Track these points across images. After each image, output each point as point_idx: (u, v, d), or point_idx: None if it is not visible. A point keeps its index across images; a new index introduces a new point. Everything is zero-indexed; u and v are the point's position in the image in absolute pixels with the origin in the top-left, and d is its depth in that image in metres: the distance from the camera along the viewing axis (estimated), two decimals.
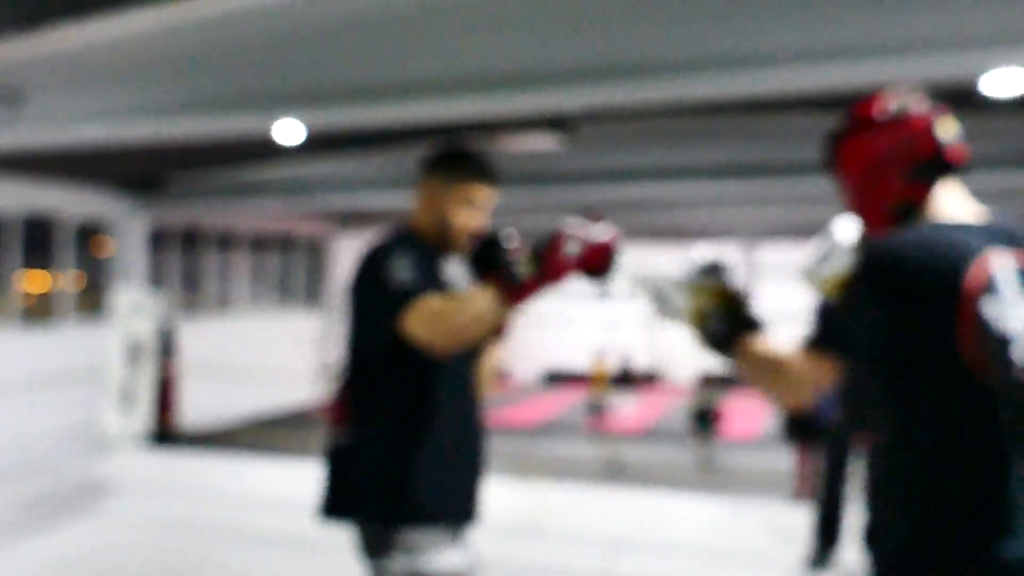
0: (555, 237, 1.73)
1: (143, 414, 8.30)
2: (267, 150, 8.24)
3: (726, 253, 1.72)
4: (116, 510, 5.47)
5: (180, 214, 11.52)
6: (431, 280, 1.89)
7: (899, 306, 1.38)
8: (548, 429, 14.11)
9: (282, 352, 13.87)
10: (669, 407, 16.48)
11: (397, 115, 4.83)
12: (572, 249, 1.72)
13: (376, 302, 1.86)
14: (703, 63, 3.74)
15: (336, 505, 1.95)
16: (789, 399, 1.53)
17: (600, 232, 1.74)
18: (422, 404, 1.90)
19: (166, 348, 9.95)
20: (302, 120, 4.84)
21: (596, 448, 11.59)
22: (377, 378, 1.92)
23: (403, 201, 11.29)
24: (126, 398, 8.11)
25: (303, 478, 6.31)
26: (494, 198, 2.06)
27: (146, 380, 8.37)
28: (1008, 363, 1.31)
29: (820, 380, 1.48)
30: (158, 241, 11.34)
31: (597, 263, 1.74)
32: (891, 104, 1.55)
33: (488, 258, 1.98)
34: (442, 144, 2.09)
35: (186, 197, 10.45)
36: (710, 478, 10.26)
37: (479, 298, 1.75)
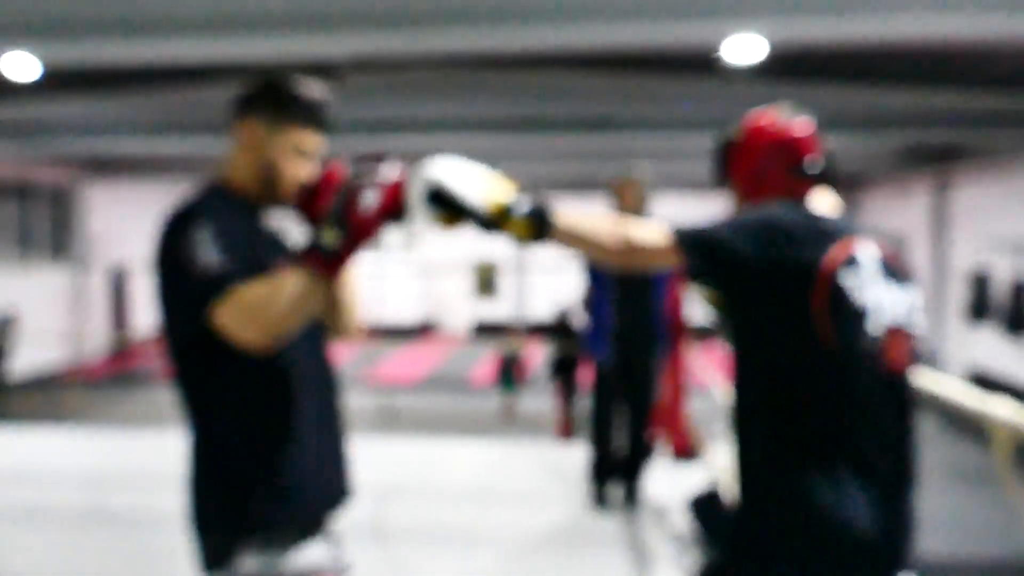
0: (349, 191, 1.52)
1: None
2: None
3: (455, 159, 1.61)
4: None
5: None
6: (245, 253, 1.59)
7: (768, 256, 1.53)
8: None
9: (25, 310, 12.66)
10: (444, 357, 16.79)
11: (153, 54, 4.50)
12: (369, 199, 1.52)
13: (177, 290, 1.57)
14: (473, 15, 3.78)
15: (199, 523, 1.65)
16: (627, 256, 1.59)
17: (389, 173, 1.54)
18: (258, 388, 1.62)
19: None
20: (38, 54, 4.38)
21: (371, 398, 11.61)
22: (197, 369, 1.62)
23: (159, 147, 10.61)
24: None
25: (52, 447, 5.86)
26: (324, 146, 1.75)
27: None
28: (860, 333, 1.52)
29: (660, 256, 1.59)
30: None
31: (398, 206, 1.54)
32: (776, 119, 1.83)
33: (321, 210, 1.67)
34: (260, 80, 1.73)
35: None
36: (511, 426, 10.61)
37: (292, 281, 1.50)
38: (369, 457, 5.43)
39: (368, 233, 1.52)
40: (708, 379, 4.82)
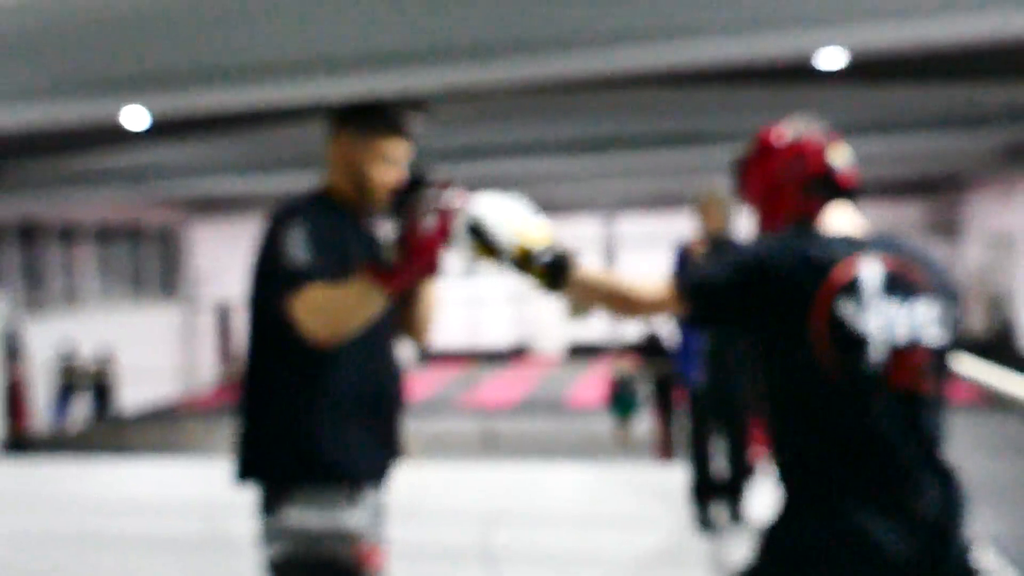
0: (411, 213, 1.68)
1: None
2: (108, 136, 7.84)
3: (513, 197, 1.71)
4: None
5: (16, 207, 10.81)
6: (335, 254, 1.77)
7: (765, 292, 1.54)
8: (424, 407, 14.15)
9: (139, 347, 13.28)
10: (539, 380, 16.82)
11: (248, 98, 4.70)
12: (428, 223, 1.66)
13: (266, 276, 1.78)
14: (550, 43, 3.82)
15: (239, 468, 1.88)
16: (631, 313, 1.66)
17: (451, 201, 1.67)
18: (320, 364, 1.81)
19: (12, 351, 9.35)
20: (148, 106, 4.64)
21: (470, 423, 11.71)
22: (274, 340, 1.82)
23: (257, 186, 11.02)
24: None
25: (168, 478, 6.12)
26: (409, 151, 1.94)
27: None
28: (863, 359, 1.48)
29: (665, 308, 1.64)
30: None
31: (450, 234, 1.67)
32: (789, 131, 1.75)
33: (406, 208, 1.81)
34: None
35: (22, 188, 9.81)
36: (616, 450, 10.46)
37: (356, 287, 1.68)
38: (472, 482, 5.50)
39: (423, 254, 1.66)
40: None
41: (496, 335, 20.12)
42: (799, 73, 6.55)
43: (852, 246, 1.57)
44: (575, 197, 16.36)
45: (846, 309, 1.49)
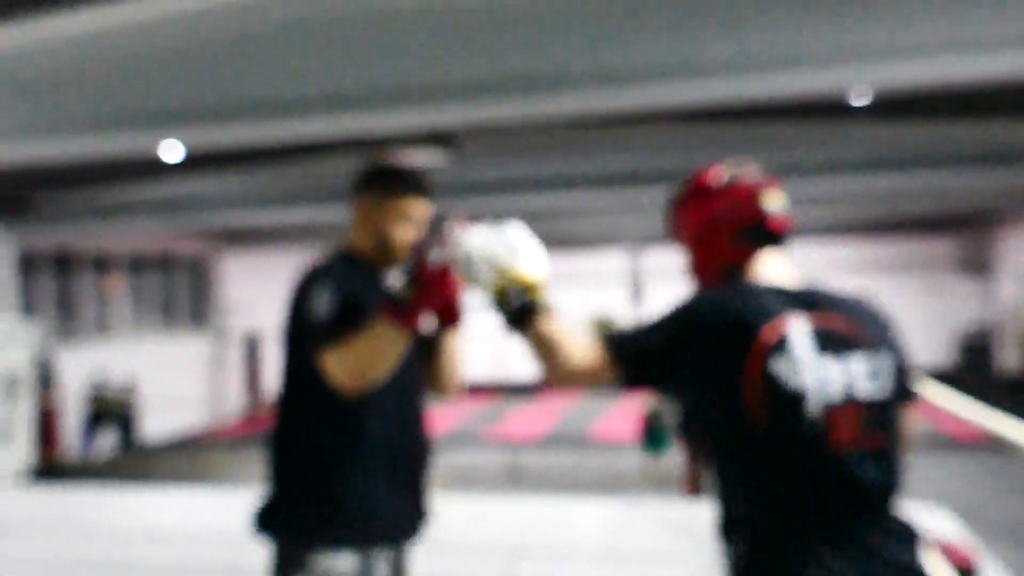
0: (421, 250, 1.74)
1: (22, 449, 7.89)
2: (142, 168, 7.99)
3: (524, 232, 1.70)
4: None
5: (51, 236, 11.02)
6: (360, 308, 1.82)
7: (695, 353, 1.51)
8: (450, 440, 14.12)
9: (168, 376, 13.40)
10: (563, 414, 16.73)
11: (279, 132, 4.79)
12: (435, 255, 1.72)
13: (297, 331, 1.87)
14: (578, 79, 3.86)
15: (258, 519, 1.91)
16: (560, 381, 1.60)
17: (453, 231, 1.71)
18: (347, 421, 1.86)
19: (44, 379, 9.48)
20: (183, 139, 4.74)
21: (495, 456, 11.66)
22: (301, 393, 1.89)
23: (287, 217, 11.16)
24: (2, 434, 7.70)
25: (193, 507, 6.14)
26: (429, 210, 2.01)
27: (24, 413, 7.96)
28: (798, 418, 1.45)
29: (595, 376, 1.58)
30: (28, 266, 10.80)
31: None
32: (724, 174, 1.70)
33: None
34: (370, 161, 2.10)
35: (57, 219, 10.00)
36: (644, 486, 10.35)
37: (376, 332, 1.73)
38: (497, 515, 5.46)
39: (433, 286, 1.72)
40: None
41: (522, 368, 20.08)
42: (828, 109, 6.56)
43: (784, 302, 1.53)
44: (602, 231, 16.40)
45: (779, 368, 1.46)
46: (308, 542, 1.83)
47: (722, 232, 1.66)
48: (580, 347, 1.57)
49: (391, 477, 1.90)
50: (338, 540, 1.82)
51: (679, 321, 1.54)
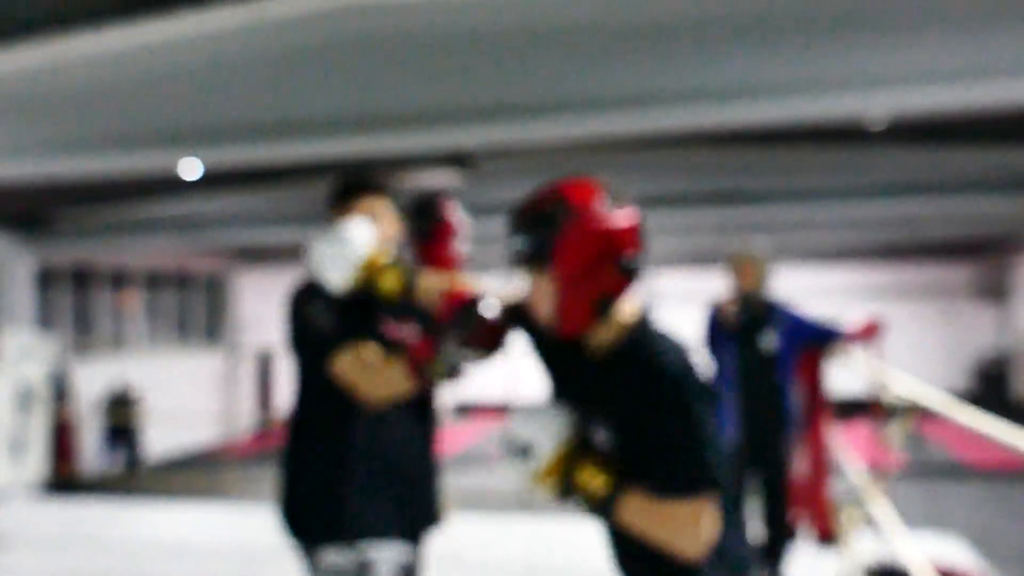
0: (472, 321, 1.78)
1: (36, 462, 7.92)
2: (159, 186, 8.06)
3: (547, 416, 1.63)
4: (9, 565, 5.20)
5: (68, 252, 11.11)
6: (349, 317, 2.00)
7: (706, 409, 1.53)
8: (461, 460, 14.07)
9: (182, 392, 13.45)
10: None
11: (295, 152, 4.83)
12: (460, 332, 1.78)
13: (300, 347, 2.04)
14: (596, 102, 3.88)
15: (282, 523, 2.08)
16: (692, 548, 1.52)
17: (484, 309, 1.76)
18: (351, 427, 2.01)
19: (60, 393, 9.53)
20: (201, 157, 4.78)
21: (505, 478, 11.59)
22: (310, 403, 2.05)
23: (301, 237, 11.19)
24: (16, 446, 7.73)
25: (208, 522, 6.14)
26: (390, 207, 2.21)
27: (38, 427, 8.00)
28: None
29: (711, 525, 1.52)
30: (46, 281, 10.89)
31: (486, 343, 1.79)
32: (606, 198, 1.58)
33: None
34: (335, 176, 2.32)
35: (75, 235, 10.09)
36: None
37: (393, 370, 1.88)
38: (510, 536, 5.43)
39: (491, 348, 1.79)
40: (848, 459, 4.61)
41: (534, 388, 20.00)
42: (844, 133, 6.54)
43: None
44: None
45: None
46: (316, 542, 2.00)
47: (606, 263, 1.55)
48: (693, 524, 1.51)
49: (395, 474, 2.04)
50: (340, 539, 1.98)
51: (697, 394, 1.52)
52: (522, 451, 1.58)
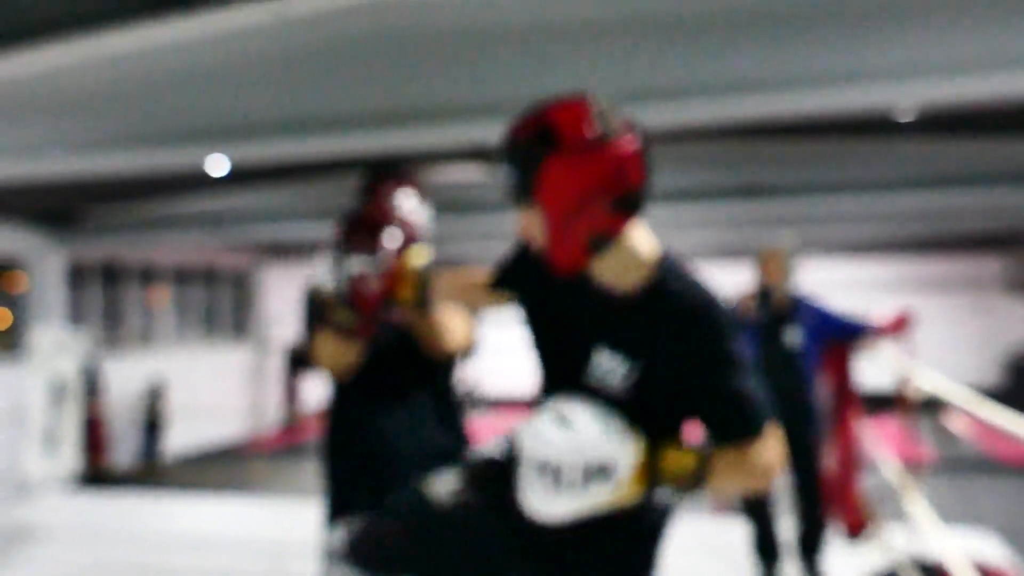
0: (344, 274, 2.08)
1: (69, 456, 8.04)
2: (188, 183, 8.13)
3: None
4: (43, 557, 5.28)
5: (99, 248, 11.24)
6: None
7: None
8: None
9: (210, 386, 13.58)
10: None
11: (322, 148, 4.85)
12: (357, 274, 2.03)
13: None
14: (620, 96, 3.86)
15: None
16: (772, 478, 1.49)
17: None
18: (332, 409, 2.29)
19: (91, 387, 9.66)
20: (229, 154, 4.82)
21: None
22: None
23: (328, 233, 11.23)
24: (50, 440, 7.85)
25: (237, 515, 6.20)
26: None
27: (71, 420, 8.11)
28: None
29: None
30: (76, 277, 11.03)
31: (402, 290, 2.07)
32: (597, 125, 1.40)
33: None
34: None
35: (105, 231, 10.21)
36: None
37: (327, 338, 2.13)
38: None
39: (367, 309, 2.06)
40: (879, 453, 4.56)
41: (526, 382, 19.96)
42: (874, 125, 6.46)
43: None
44: None
45: None
46: (328, 522, 2.19)
47: (600, 199, 1.39)
48: (772, 457, 1.45)
49: (362, 466, 2.19)
50: (333, 520, 2.16)
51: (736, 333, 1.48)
52: (598, 472, 1.34)
